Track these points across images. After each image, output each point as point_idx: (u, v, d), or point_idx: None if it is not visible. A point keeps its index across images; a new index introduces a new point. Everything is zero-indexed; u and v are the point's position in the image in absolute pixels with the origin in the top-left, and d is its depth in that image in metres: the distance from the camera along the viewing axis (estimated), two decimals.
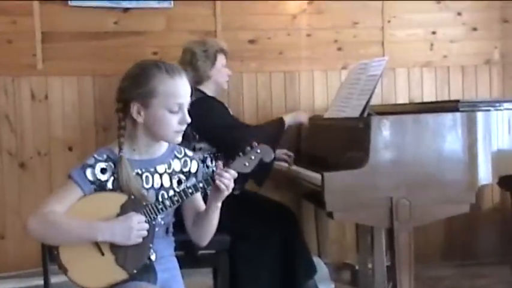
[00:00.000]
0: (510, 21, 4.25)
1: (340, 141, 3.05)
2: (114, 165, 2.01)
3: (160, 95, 1.99)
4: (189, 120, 2.04)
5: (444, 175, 2.67)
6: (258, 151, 2.04)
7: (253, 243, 3.01)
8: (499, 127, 2.77)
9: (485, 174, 2.72)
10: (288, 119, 3.43)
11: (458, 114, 2.71)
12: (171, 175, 2.10)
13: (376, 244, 3.22)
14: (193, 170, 2.15)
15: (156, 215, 1.98)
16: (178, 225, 2.20)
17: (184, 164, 2.14)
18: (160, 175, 2.08)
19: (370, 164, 2.59)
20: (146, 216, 1.96)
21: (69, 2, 3.74)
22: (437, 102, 3.95)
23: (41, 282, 2.72)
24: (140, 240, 1.94)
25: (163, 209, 1.98)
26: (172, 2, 3.87)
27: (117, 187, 1.99)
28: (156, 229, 2.01)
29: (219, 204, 2.07)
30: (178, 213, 2.17)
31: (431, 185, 2.65)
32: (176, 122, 2.02)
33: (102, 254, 1.95)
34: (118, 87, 2.07)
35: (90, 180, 1.98)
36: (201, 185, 2.00)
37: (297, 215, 3.47)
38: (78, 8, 3.77)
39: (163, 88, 1.99)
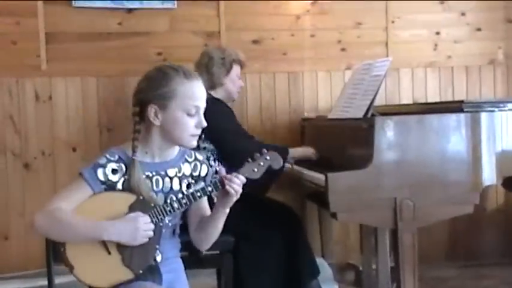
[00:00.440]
0: None
1: (343, 142, 3.05)
2: (125, 166, 2.01)
3: (179, 97, 2.00)
4: (205, 124, 2.05)
5: (448, 176, 2.66)
6: (268, 158, 2.04)
7: (257, 244, 3.01)
8: (503, 128, 2.77)
9: (489, 175, 2.71)
10: (293, 151, 3.36)
11: (462, 115, 2.70)
12: (181, 179, 2.10)
13: (380, 245, 3.21)
14: (202, 174, 2.15)
15: (164, 217, 1.98)
16: (183, 226, 2.20)
17: (194, 168, 2.14)
18: (171, 178, 2.08)
19: (374, 165, 2.59)
20: (153, 218, 1.96)
21: (73, 2, 3.75)
22: (441, 102, 3.95)
23: (44, 282, 2.71)
24: (146, 240, 1.95)
25: (171, 211, 1.98)
26: (175, 2, 3.87)
27: (127, 188, 2.00)
28: (163, 230, 2.02)
29: (227, 210, 2.07)
30: (184, 215, 2.17)
31: (435, 186, 2.65)
32: (193, 125, 2.03)
33: (109, 253, 1.95)
34: (135, 90, 2.07)
35: (100, 180, 1.98)
36: (209, 188, 2.01)
37: (300, 215, 3.47)
38: (82, 9, 3.78)
39: (182, 90, 2.00)
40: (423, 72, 4.20)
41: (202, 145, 3.11)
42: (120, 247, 1.94)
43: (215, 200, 2.09)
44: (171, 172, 2.08)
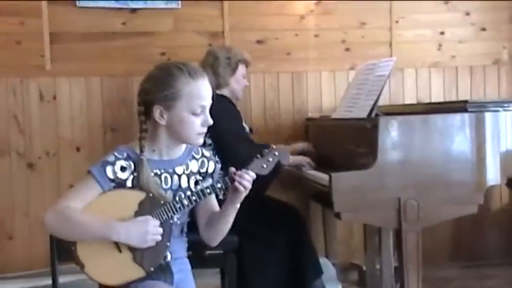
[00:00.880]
0: None
1: (347, 142, 3.05)
2: (134, 164, 2.01)
3: (184, 97, 1.99)
4: (211, 122, 2.04)
5: (452, 176, 2.66)
6: (276, 154, 2.04)
7: (261, 243, 3.01)
8: (507, 128, 2.76)
9: (493, 175, 2.71)
10: (292, 158, 3.34)
11: (466, 115, 2.70)
12: (188, 176, 2.10)
13: (384, 245, 3.21)
14: (210, 171, 2.15)
15: (174, 214, 1.98)
16: (187, 225, 2.20)
17: (202, 165, 2.14)
18: (179, 176, 2.08)
19: (378, 165, 2.58)
20: (164, 215, 1.96)
21: (77, 2, 3.76)
22: (445, 102, 3.94)
23: (49, 282, 2.72)
24: (154, 244, 1.94)
25: (181, 207, 1.98)
26: (179, 2, 3.87)
27: (137, 185, 2.00)
28: (173, 228, 2.02)
29: (237, 206, 2.06)
30: (192, 213, 2.17)
31: (439, 186, 2.64)
32: (199, 124, 2.02)
33: (120, 251, 1.95)
34: (139, 90, 2.07)
35: (110, 178, 1.98)
36: (218, 185, 2.01)
37: (304, 215, 3.47)
38: (86, 9, 3.78)
39: (187, 90, 1.99)
40: (427, 72, 4.19)
41: (208, 141, 3.11)
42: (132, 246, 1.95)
43: (220, 196, 2.09)
44: (179, 170, 2.08)
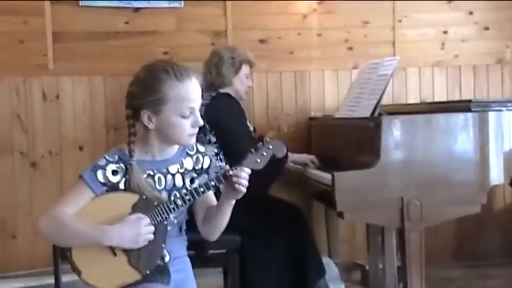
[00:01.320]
0: None
1: (350, 141, 3.04)
2: (125, 166, 1.99)
3: (171, 101, 1.96)
4: (201, 122, 2.02)
5: (455, 175, 2.65)
6: (270, 147, 2.00)
7: (263, 243, 3.00)
8: (511, 127, 2.75)
9: (496, 175, 2.70)
10: (294, 157, 3.37)
11: (469, 114, 2.69)
12: (183, 174, 2.08)
13: (387, 244, 3.21)
14: (205, 166, 2.13)
15: (168, 215, 1.97)
16: (188, 224, 2.19)
17: (197, 161, 2.12)
18: (173, 175, 2.06)
19: (381, 164, 2.58)
20: (158, 216, 1.95)
21: (80, 2, 3.76)
22: (448, 102, 3.93)
23: (52, 281, 2.73)
24: (146, 243, 1.94)
25: (175, 208, 1.97)
26: (182, 1, 3.87)
27: (130, 188, 1.99)
28: (169, 228, 2.00)
29: (233, 202, 2.04)
30: (191, 211, 2.17)
31: (443, 186, 2.64)
32: (189, 126, 1.99)
33: (115, 255, 1.94)
34: (127, 92, 2.04)
35: (101, 182, 1.97)
36: (212, 183, 1.99)
37: (306, 215, 3.47)
38: (89, 8, 3.79)
39: (174, 94, 1.96)
40: (430, 72, 4.18)
41: (213, 139, 3.11)
42: (126, 248, 1.94)
43: (221, 190, 2.07)
44: (173, 169, 2.06)
